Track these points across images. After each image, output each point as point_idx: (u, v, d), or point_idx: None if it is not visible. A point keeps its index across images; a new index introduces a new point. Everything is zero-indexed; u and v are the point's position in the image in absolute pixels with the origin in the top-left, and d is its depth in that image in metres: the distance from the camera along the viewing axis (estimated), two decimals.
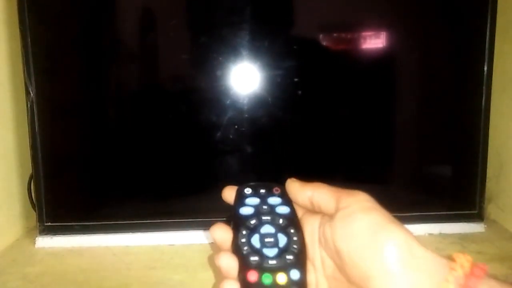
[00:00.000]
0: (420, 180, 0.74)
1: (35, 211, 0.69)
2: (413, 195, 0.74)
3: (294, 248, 0.30)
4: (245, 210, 0.33)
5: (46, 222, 0.67)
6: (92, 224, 0.68)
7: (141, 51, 0.69)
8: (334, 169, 0.72)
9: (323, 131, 0.70)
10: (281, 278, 0.28)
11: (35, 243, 0.67)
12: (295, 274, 0.28)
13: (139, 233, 0.68)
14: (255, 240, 0.30)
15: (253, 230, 0.31)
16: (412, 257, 0.25)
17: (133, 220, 0.68)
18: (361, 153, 0.71)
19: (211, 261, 0.62)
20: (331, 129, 0.71)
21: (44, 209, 0.67)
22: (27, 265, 0.61)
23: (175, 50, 0.68)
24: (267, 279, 0.28)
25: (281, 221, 0.32)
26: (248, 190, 0.35)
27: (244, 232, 0.30)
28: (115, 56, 0.68)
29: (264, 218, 0.32)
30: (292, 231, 0.31)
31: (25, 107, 0.64)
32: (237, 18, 0.65)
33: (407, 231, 0.27)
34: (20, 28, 0.63)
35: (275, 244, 0.30)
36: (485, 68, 0.67)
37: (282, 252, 0.29)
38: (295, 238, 0.30)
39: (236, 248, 0.30)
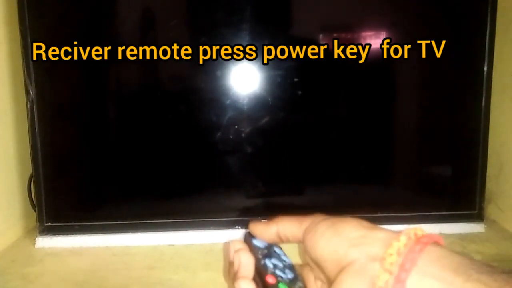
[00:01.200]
0: (420, 180, 0.74)
1: (35, 211, 0.68)
2: (413, 195, 0.74)
3: (301, 282, 0.33)
4: (258, 242, 0.36)
5: (46, 222, 0.67)
6: (92, 224, 0.68)
7: (141, 51, 0.69)
8: (334, 169, 0.72)
9: (323, 132, 0.70)
10: None
11: (35, 243, 0.67)
12: None
13: (139, 233, 0.68)
14: (269, 263, 0.33)
15: (266, 256, 0.34)
16: (364, 236, 0.28)
17: (133, 220, 0.68)
18: (361, 153, 0.72)
19: (211, 261, 0.62)
20: (331, 129, 0.71)
21: (44, 209, 0.67)
22: (27, 265, 0.61)
23: (175, 50, 0.68)
24: (283, 286, 0.30)
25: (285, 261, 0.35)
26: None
27: (259, 255, 0.34)
28: (115, 56, 0.68)
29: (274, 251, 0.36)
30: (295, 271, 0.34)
31: (25, 107, 0.64)
32: (237, 18, 0.65)
33: (362, 221, 0.30)
34: (20, 28, 0.63)
35: (284, 272, 0.33)
36: (485, 68, 0.67)
37: (293, 279, 0.33)
38: (298, 275, 0.34)
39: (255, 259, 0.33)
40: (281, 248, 0.37)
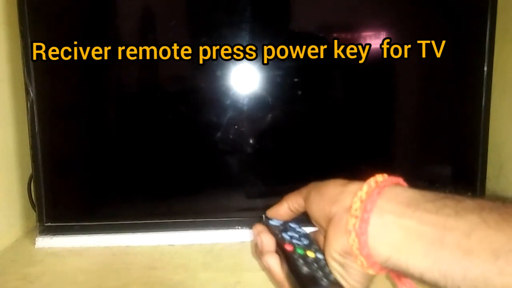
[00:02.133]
0: (420, 179, 0.74)
1: (35, 211, 0.69)
2: None
3: (315, 245, 0.39)
4: (274, 222, 0.42)
5: (46, 222, 0.67)
6: (92, 224, 0.68)
7: (141, 51, 0.69)
8: (334, 168, 0.72)
9: (323, 131, 0.70)
10: (310, 253, 0.36)
11: (35, 243, 0.67)
12: (320, 255, 0.36)
13: (139, 233, 0.68)
14: (286, 235, 0.39)
15: (283, 231, 0.40)
16: (340, 192, 0.34)
17: (133, 220, 0.68)
18: (361, 152, 0.72)
19: (211, 261, 0.62)
20: (331, 129, 0.71)
21: (44, 209, 0.67)
22: (27, 265, 0.61)
23: (175, 50, 0.68)
24: (300, 251, 0.36)
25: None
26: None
27: (277, 231, 0.40)
28: (115, 56, 0.68)
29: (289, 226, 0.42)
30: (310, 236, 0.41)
31: (25, 107, 0.64)
32: (237, 18, 0.65)
33: (339, 180, 0.36)
34: (20, 28, 0.63)
35: (300, 240, 0.39)
36: (485, 68, 0.67)
37: (308, 244, 0.38)
38: (312, 240, 0.40)
39: (273, 236, 0.39)
40: (295, 222, 0.43)
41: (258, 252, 0.39)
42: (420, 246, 0.27)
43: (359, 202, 0.30)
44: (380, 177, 0.32)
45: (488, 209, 0.26)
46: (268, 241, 0.38)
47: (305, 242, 0.38)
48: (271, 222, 0.41)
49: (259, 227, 0.40)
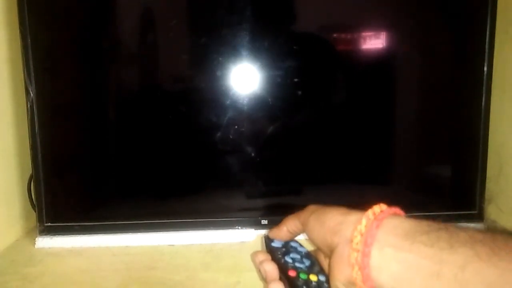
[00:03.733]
0: (420, 180, 0.74)
1: (35, 211, 0.68)
2: (413, 195, 0.74)
3: (317, 266, 0.39)
4: (276, 243, 0.43)
5: (46, 223, 0.67)
6: (92, 225, 0.68)
7: (141, 52, 0.69)
8: (334, 169, 0.72)
9: (323, 132, 0.70)
10: (313, 277, 0.37)
11: (35, 243, 0.67)
12: (322, 277, 0.37)
13: (139, 233, 0.68)
14: (289, 258, 0.40)
15: (285, 254, 0.41)
16: (341, 222, 0.34)
17: (133, 221, 0.68)
18: (361, 153, 0.71)
19: (211, 261, 0.62)
20: (331, 129, 0.71)
21: (44, 210, 0.67)
22: (27, 265, 0.61)
23: (175, 50, 0.68)
24: (303, 276, 0.37)
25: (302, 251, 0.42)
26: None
27: (279, 254, 0.40)
28: (115, 56, 0.68)
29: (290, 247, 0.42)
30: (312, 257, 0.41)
31: (25, 107, 0.64)
32: (237, 19, 0.65)
33: (340, 208, 0.36)
34: (20, 29, 0.63)
35: (302, 262, 0.39)
36: (485, 68, 0.67)
37: (310, 266, 0.39)
38: (314, 260, 0.40)
39: (276, 260, 0.40)
40: (296, 241, 0.43)
41: (262, 277, 0.41)
42: (420, 279, 0.28)
43: (359, 236, 0.32)
44: (377, 209, 0.33)
45: (480, 242, 0.28)
46: (271, 270, 0.39)
47: (307, 263, 0.39)
48: (272, 244, 0.42)
49: (260, 256, 0.41)
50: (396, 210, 0.34)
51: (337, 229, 0.34)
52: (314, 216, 0.37)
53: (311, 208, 0.39)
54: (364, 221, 0.32)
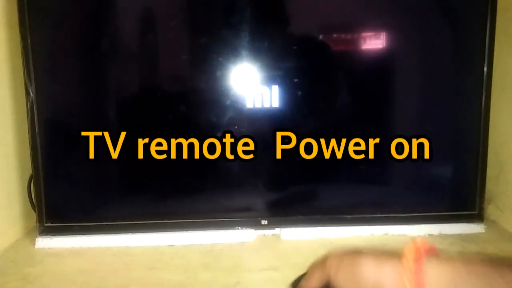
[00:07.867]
0: (420, 181, 0.74)
1: (35, 211, 0.68)
2: (413, 196, 0.74)
3: None
4: None
5: (46, 223, 0.67)
6: (92, 225, 0.68)
7: (141, 52, 0.69)
8: (334, 169, 0.72)
9: (323, 132, 0.70)
10: None
11: (35, 243, 0.67)
12: None
13: (139, 233, 0.68)
14: None
15: None
16: (378, 278, 0.32)
17: (133, 221, 0.68)
18: (361, 153, 0.71)
19: (211, 261, 0.62)
20: (331, 129, 0.71)
21: (44, 210, 0.67)
22: (27, 265, 0.61)
23: (175, 50, 0.68)
24: None
25: None
26: None
27: None
28: (115, 56, 0.68)
29: None
30: None
31: (25, 107, 0.64)
32: (237, 19, 0.65)
33: (372, 259, 0.34)
34: (20, 29, 0.63)
35: None
36: (485, 69, 0.67)
37: None
38: None
39: None
40: None
41: None
42: None
43: None
44: (411, 253, 0.32)
45: None
46: None
47: None
48: None
49: None
50: (429, 247, 0.33)
51: (376, 285, 0.33)
52: (345, 269, 0.35)
53: (337, 257, 0.36)
54: (406, 276, 0.31)
